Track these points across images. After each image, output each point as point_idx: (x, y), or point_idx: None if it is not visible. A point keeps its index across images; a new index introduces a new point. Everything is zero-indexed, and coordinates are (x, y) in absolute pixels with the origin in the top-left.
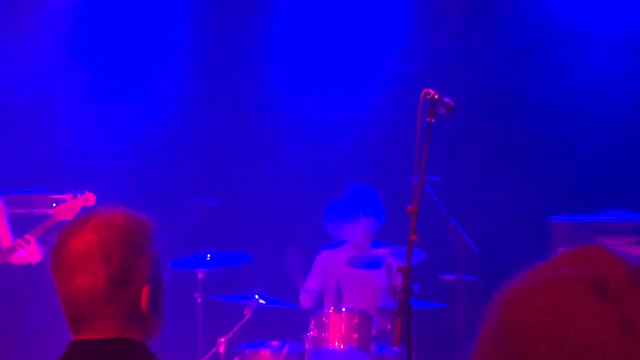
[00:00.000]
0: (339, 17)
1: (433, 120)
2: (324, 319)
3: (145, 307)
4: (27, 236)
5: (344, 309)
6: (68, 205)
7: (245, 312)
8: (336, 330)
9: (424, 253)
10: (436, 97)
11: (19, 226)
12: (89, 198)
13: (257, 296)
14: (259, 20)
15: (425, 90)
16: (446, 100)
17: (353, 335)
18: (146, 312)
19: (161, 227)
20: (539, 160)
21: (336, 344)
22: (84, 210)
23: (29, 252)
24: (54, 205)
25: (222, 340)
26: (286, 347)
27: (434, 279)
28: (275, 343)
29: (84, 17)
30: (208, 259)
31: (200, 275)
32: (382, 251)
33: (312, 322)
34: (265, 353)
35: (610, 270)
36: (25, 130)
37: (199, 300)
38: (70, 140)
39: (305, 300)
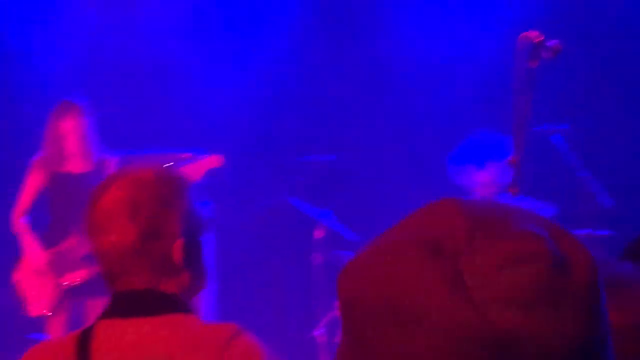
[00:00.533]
0: None
1: (536, 66)
2: None
3: (178, 260)
4: None
5: None
6: (196, 166)
7: None
8: None
9: (554, 208)
10: (538, 40)
11: None
12: (217, 159)
13: None
14: None
15: (524, 34)
16: (551, 43)
17: None
18: (181, 264)
19: (278, 184)
20: None
21: None
22: (210, 172)
23: None
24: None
25: None
26: None
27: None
28: None
29: None
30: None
31: (318, 235)
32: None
33: None
34: None
35: (448, 226)
36: (149, 90)
37: (316, 260)
38: (192, 99)
39: None
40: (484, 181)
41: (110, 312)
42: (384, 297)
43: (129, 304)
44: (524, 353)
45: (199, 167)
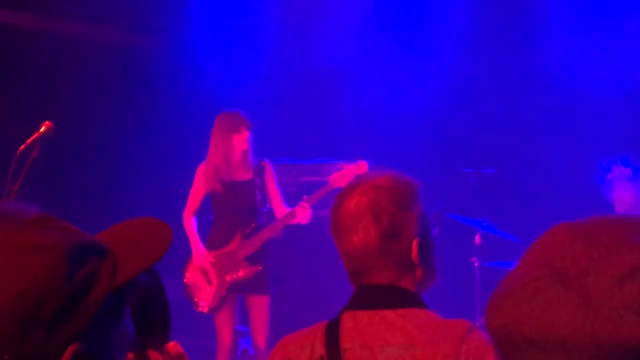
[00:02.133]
0: None
1: None
2: None
3: (415, 257)
4: (303, 203)
5: None
6: (342, 173)
7: None
8: None
9: None
10: None
11: (304, 192)
12: (362, 166)
13: None
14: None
15: None
16: None
17: None
18: (417, 262)
19: (439, 194)
20: None
21: None
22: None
23: (303, 216)
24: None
25: None
26: None
27: None
28: None
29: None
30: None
31: (478, 240)
32: None
33: None
34: None
35: (568, 252)
36: (318, 100)
37: (476, 264)
38: (358, 111)
39: None
40: (626, 198)
41: (355, 304)
42: (528, 329)
43: (373, 297)
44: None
45: (347, 172)
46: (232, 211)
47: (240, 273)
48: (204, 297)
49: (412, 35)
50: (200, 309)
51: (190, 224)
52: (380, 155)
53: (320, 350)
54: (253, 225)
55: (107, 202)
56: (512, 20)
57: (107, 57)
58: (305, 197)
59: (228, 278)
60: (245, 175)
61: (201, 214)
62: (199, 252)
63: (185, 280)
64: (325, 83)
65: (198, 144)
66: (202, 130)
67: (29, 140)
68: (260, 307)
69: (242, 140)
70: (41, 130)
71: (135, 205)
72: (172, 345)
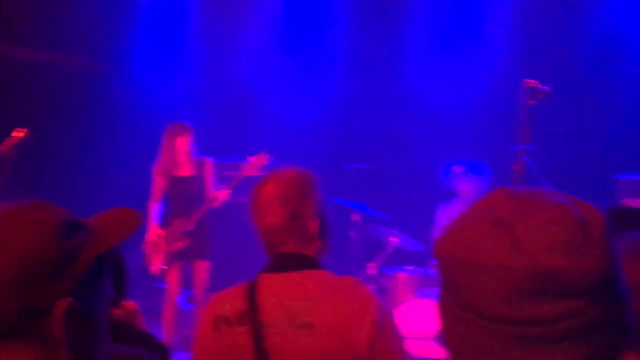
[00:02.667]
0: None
1: (534, 103)
2: None
3: (315, 233)
4: (224, 190)
5: None
6: (249, 164)
7: (388, 244)
8: None
9: None
10: (535, 86)
11: (225, 182)
12: (263, 157)
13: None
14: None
15: (526, 80)
16: (544, 88)
17: None
18: (316, 236)
19: (329, 184)
20: (603, 126)
21: None
22: (264, 167)
23: (223, 197)
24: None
25: (372, 265)
26: (418, 271)
27: None
28: (410, 268)
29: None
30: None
31: (356, 219)
32: None
33: None
34: (403, 275)
35: (503, 206)
36: (236, 110)
37: (353, 236)
38: (266, 118)
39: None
40: (468, 190)
41: (270, 268)
42: (465, 256)
43: (283, 263)
44: (561, 283)
45: (252, 163)
46: (178, 197)
47: (182, 243)
48: (155, 262)
49: (307, 57)
50: (152, 270)
51: (152, 208)
52: (283, 153)
53: (242, 304)
54: (193, 208)
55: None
56: (382, 41)
57: (64, 80)
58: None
59: (173, 247)
60: (188, 170)
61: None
62: (152, 228)
63: (142, 248)
64: (240, 96)
65: (149, 148)
66: (151, 137)
67: (8, 144)
68: (200, 270)
69: (184, 143)
70: (20, 136)
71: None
72: (130, 304)
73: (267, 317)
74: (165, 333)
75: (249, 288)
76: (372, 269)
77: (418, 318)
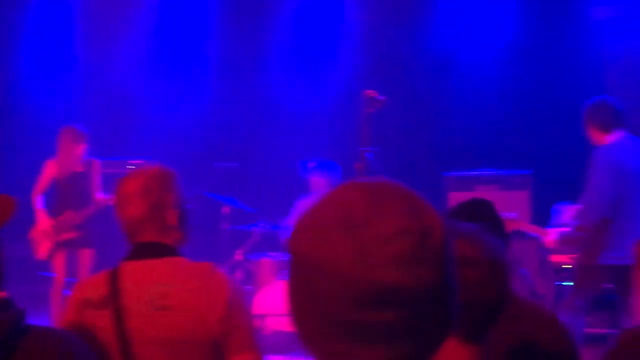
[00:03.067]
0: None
1: (372, 111)
2: None
3: (174, 223)
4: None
5: None
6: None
7: (254, 233)
8: None
9: None
10: (373, 95)
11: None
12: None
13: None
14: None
15: (366, 90)
16: (381, 97)
17: None
18: (175, 226)
19: (200, 180)
20: (434, 131)
21: None
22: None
23: (111, 202)
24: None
25: (239, 252)
26: (280, 256)
27: None
28: (273, 254)
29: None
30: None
31: (226, 211)
32: None
33: None
34: (266, 260)
35: (354, 205)
36: (120, 115)
37: (224, 227)
38: (142, 120)
39: (286, 234)
40: (321, 186)
41: (131, 257)
42: (314, 256)
43: (144, 251)
44: (398, 294)
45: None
46: (68, 193)
47: (70, 235)
48: (42, 249)
49: (181, 63)
50: (39, 256)
51: (36, 200)
52: (161, 152)
53: (105, 289)
54: (81, 203)
55: None
56: (250, 50)
57: None
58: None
59: (61, 238)
60: (79, 168)
61: None
62: (42, 219)
63: (30, 236)
64: (120, 98)
65: (33, 148)
66: (34, 137)
67: None
68: (85, 258)
69: (77, 146)
70: None
71: None
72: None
73: (128, 301)
74: (54, 320)
75: (112, 274)
76: (239, 255)
77: (279, 297)
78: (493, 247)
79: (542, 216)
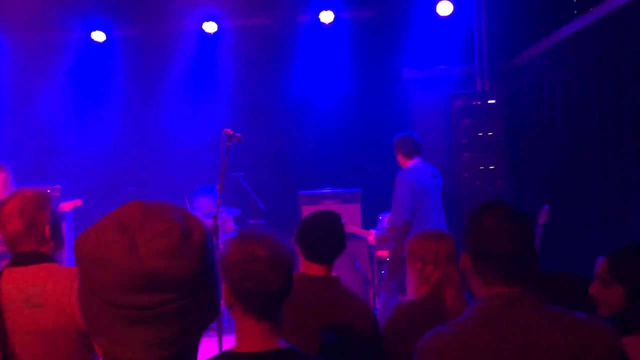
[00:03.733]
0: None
1: (230, 144)
2: None
3: (47, 236)
4: None
5: None
6: (68, 204)
7: None
8: None
9: (239, 210)
10: (231, 132)
11: None
12: (78, 201)
13: None
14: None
15: (225, 129)
16: (237, 134)
17: None
18: (49, 238)
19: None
20: (291, 158)
21: None
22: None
23: None
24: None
25: None
26: None
27: (246, 223)
28: None
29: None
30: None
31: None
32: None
33: None
34: None
35: (132, 214)
36: (33, 143)
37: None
38: (61, 151)
39: None
40: (204, 204)
41: (12, 264)
42: (93, 252)
43: (23, 259)
44: (163, 280)
45: (69, 205)
46: None
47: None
48: None
49: (92, 99)
50: None
51: None
52: (76, 176)
53: None
54: None
55: None
56: (147, 88)
57: None
58: None
59: None
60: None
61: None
62: None
63: None
64: (45, 135)
65: None
66: None
67: None
68: None
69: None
70: None
71: None
72: None
73: (7, 300)
74: None
75: None
76: None
77: None
78: (279, 247)
79: (373, 222)
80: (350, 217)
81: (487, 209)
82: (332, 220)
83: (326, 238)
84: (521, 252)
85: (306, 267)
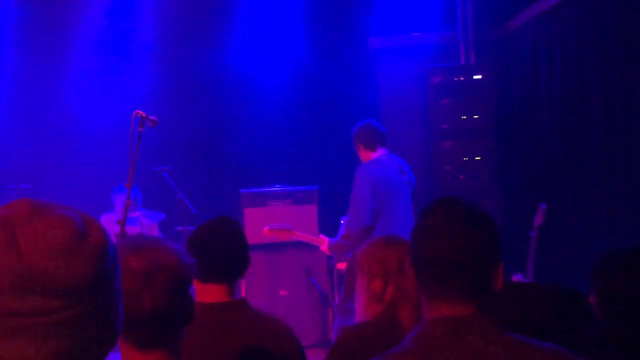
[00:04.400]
0: None
1: (142, 130)
2: None
3: None
4: None
5: None
6: None
7: None
8: None
9: (164, 214)
10: (144, 115)
11: None
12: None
13: None
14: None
15: (136, 110)
16: (151, 117)
17: None
18: None
19: None
20: (231, 157)
21: None
22: None
23: None
24: None
25: None
26: None
27: (173, 230)
28: None
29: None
30: None
31: None
32: (136, 214)
33: None
34: None
35: (17, 209)
36: None
37: None
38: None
39: None
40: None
41: None
42: None
43: None
44: (46, 282)
45: None
46: None
47: None
48: None
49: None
50: None
51: None
52: None
53: None
54: None
55: None
56: (48, 70)
57: None
58: None
59: None
60: None
61: None
62: None
63: None
64: None
65: None
66: None
67: None
68: None
69: None
70: None
71: None
72: None
73: None
74: None
75: None
76: None
77: None
78: (163, 258)
79: (333, 228)
80: (306, 221)
81: (436, 204)
82: (227, 228)
83: (221, 250)
84: (470, 261)
85: (201, 293)
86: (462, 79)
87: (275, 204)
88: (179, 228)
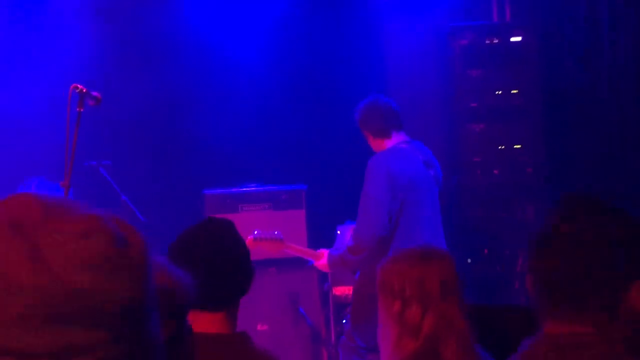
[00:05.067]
0: None
1: (82, 110)
2: None
3: None
4: None
5: None
6: None
7: None
8: None
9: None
10: (84, 90)
11: None
12: None
13: None
14: None
15: (74, 84)
16: (94, 93)
17: None
18: None
19: None
20: (191, 148)
21: None
22: None
23: None
24: None
25: None
26: None
27: None
28: None
29: None
30: None
31: None
32: None
33: None
34: None
35: (25, 209)
36: None
37: None
38: None
39: None
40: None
41: None
42: None
43: None
44: (85, 307)
45: None
46: None
47: None
48: None
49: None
50: None
51: None
52: None
53: None
54: None
55: None
56: None
57: None
58: None
59: None
60: None
61: None
62: None
63: None
64: None
65: None
66: None
67: None
68: None
69: None
70: None
71: None
72: None
73: None
74: None
75: None
76: None
77: None
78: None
79: (328, 239)
80: (291, 231)
81: (576, 206)
82: (223, 233)
83: (215, 265)
84: (613, 277)
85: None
86: (496, 41)
87: (251, 207)
88: None
